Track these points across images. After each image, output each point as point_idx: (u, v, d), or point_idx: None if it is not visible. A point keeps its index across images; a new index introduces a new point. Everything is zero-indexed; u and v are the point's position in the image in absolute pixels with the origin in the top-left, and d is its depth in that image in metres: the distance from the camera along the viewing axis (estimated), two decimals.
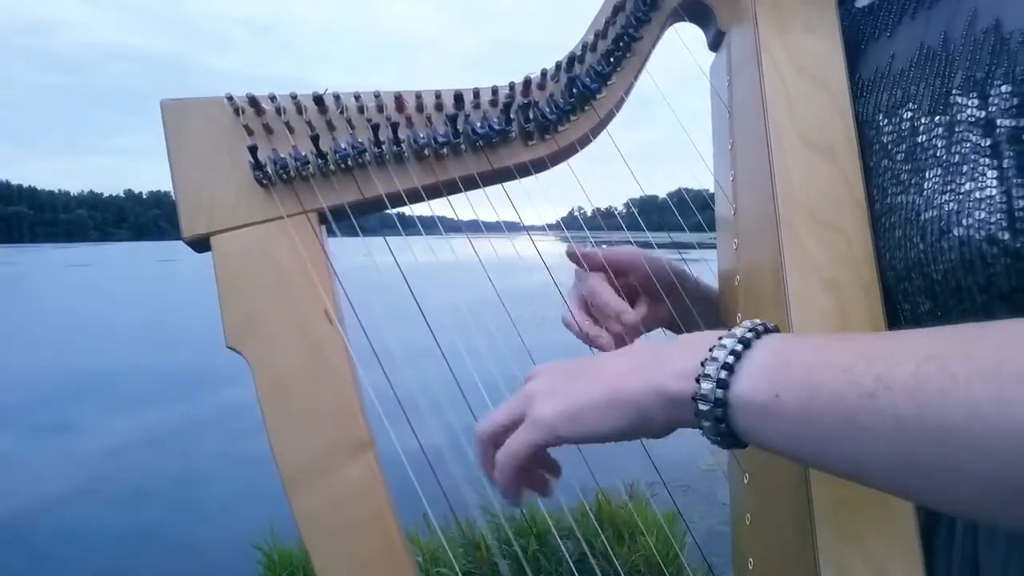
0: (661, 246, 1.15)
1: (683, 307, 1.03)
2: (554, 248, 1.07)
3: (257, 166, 0.85)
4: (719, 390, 0.56)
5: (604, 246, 1.05)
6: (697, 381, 0.57)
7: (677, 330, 1.06)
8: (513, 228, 1.01)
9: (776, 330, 0.61)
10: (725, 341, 0.58)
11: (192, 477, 6.89)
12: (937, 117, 0.73)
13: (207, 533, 5.65)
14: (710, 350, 0.58)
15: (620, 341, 0.98)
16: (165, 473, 7.01)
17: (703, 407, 0.57)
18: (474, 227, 1.01)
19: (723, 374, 0.56)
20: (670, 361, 0.61)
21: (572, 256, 1.02)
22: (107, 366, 11.58)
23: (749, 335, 0.58)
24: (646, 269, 1.02)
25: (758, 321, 0.60)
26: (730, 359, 0.57)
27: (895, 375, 0.47)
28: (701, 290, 1.07)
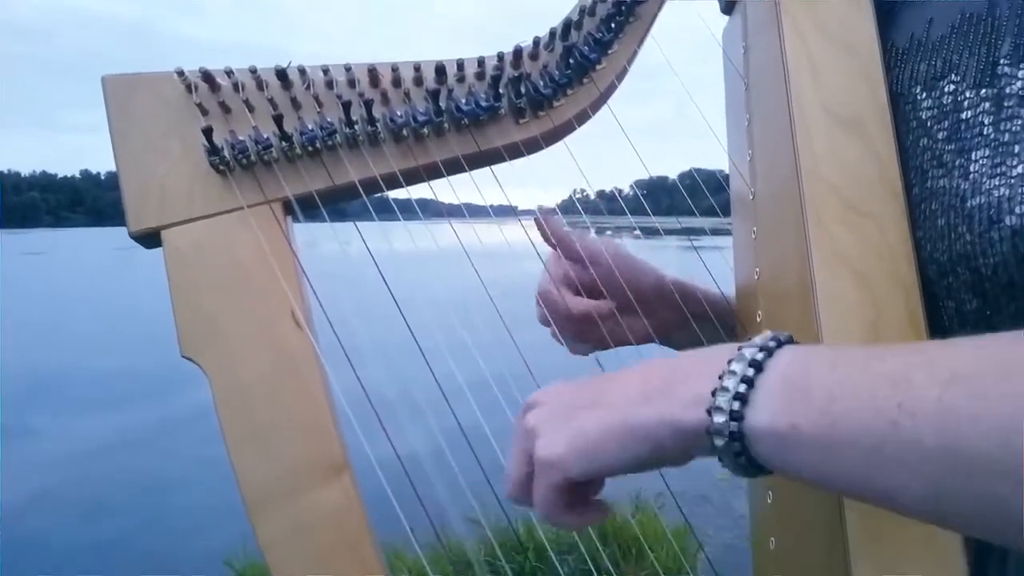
0: (669, 232, 1.14)
1: (664, 323, 1.02)
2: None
3: (213, 150, 0.82)
4: (733, 423, 0.55)
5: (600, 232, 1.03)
6: (709, 413, 0.56)
7: (669, 344, 1.04)
8: (502, 213, 0.99)
9: (790, 341, 0.59)
10: (735, 367, 0.57)
11: (159, 486, 6.89)
12: (983, 90, 0.72)
13: (175, 548, 5.64)
14: (720, 377, 0.57)
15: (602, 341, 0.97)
16: (130, 482, 7.00)
17: (719, 442, 0.56)
18: (458, 212, 1.00)
19: (736, 405, 0.55)
20: (680, 387, 0.60)
21: (539, 224, 1.00)
22: (65, 364, 11.58)
23: (760, 356, 0.57)
24: (608, 263, 1.00)
25: (769, 335, 0.59)
26: (742, 388, 0.56)
27: (919, 402, 0.47)
28: (713, 301, 1.05)
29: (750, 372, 0.56)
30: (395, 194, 0.92)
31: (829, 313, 0.72)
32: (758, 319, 0.85)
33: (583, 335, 1.02)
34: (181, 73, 0.84)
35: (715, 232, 1.24)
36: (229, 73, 0.85)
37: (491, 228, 1.03)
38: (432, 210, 1.03)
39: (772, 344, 0.58)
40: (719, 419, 0.55)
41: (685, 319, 0.99)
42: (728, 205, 1.01)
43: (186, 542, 5.73)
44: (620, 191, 1.22)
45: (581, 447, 0.61)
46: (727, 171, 1.00)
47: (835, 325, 0.72)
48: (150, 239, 0.83)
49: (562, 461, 0.62)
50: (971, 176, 0.70)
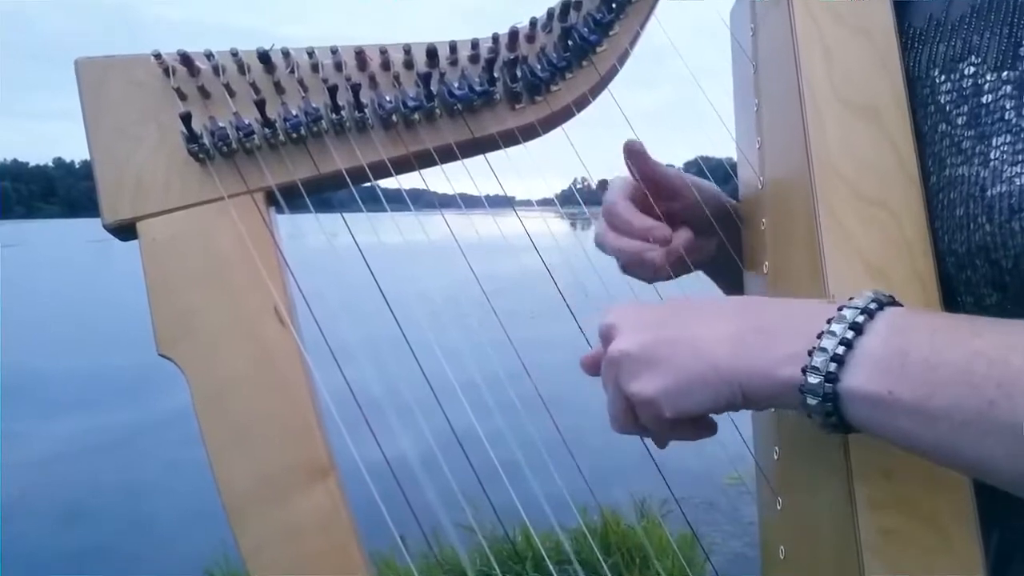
0: None
1: (735, 242, 1.00)
2: (545, 227, 1.05)
3: (191, 137, 0.82)
4: (828, 384, 0.59)
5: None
6: (804, 372, 0.60)
7: (724, 269, 1.03)
8: (497, 204, 0.99)
9: (892, 303, 0.62)
10: (835, 327, 0.59)
11: (137, 491, 6.88)
12: (1005, 73, 0.72)
13: (153, 555, 5.64)
14: (818, 336, 0.60)
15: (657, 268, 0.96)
16: (106, 487, 7.00)
17: (812, 401, 0.59)
18: (450, 203, 0.99)
19: (832, 367, 0.59)
20: (775, 342, 0.63)
21: (631, 152, 0.98)
22: (37, 364, 11.54)
23: (861, 319, 0.59)
24: (694, 197, 0.99)
25: (870, 295, 0.61)
26: (840, 350, 0.59)
27: (1018, 382, 0.51)
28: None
29: (849, 334, 0.59)
30: (384, 184, 0.92)
31: None
32: None
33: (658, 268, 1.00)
34: (158, 56, 0.83)
35: None
36: (209, 56, 0.85)
37: (486, 220, 1.03)
38: (423, 201, 1.02)
39: (873, 306, 0.60)
40: (814, 379, 0.59)
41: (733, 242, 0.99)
42: (736, 194, 1.01)
43: (165, 549, 5.72)
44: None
45: (673, 391, 0.66)
46: (735, 159, 1.00)
47: None
48: (125, 231, 0.83)
49: (655, 402, 0.66)
50: (991, 163, 0.70)
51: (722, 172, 1.06)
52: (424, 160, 0.90)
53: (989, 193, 0.69)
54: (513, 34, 0.91)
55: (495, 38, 0.91)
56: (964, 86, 0.75)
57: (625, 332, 0.70)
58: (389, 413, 0.96)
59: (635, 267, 0.96)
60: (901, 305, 0.62)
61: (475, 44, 0.90)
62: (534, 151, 0.94)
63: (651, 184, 0.98)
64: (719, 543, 5.09)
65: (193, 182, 0.84)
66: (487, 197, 0.98)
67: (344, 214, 0.95)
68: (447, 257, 0.99)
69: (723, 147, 1.00)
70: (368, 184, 0.91)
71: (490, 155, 0.93)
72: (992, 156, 0.70)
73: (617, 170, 1.00)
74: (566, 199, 1.18)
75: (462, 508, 0.87)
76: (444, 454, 0.81)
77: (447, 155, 0.91)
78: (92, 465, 7.54)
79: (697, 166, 1.18)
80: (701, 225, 0.99)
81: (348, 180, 0.88)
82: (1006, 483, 0.55)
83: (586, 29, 0.91)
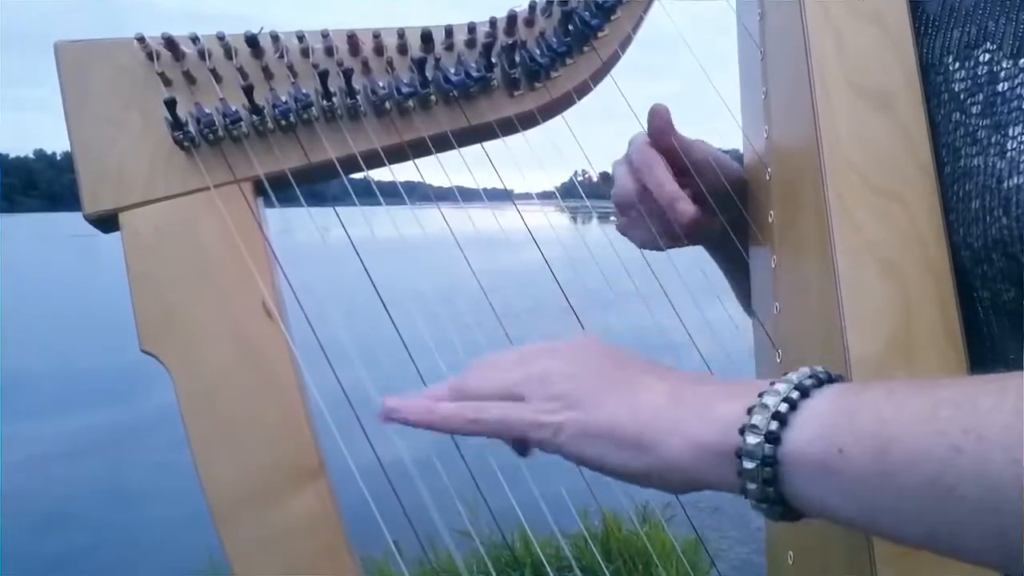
0: None
1: (741, 223, 1.00)
2: (545, 221, 1.05)
3: (176, 124, 0.82)
4: (768, 445, 0.54)
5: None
6: (742, 433, 0.55)
7: (728, 246, 1.03)
8: (496, 197, 0.99)
9: (840, 379, 0.59)
10: (779, 386, 0.56)
11: (122, 495, 6.88)
12: (1022, 60, 0.72)
13: (138, 559, 5.65)
14: (760, 395, 0.56)
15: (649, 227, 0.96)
16: (90, 490, 7.01)
17: (748, 465, 0.55)
18: (447, 196, 0.99)
19: (774, 425, 0.54)
20: (710, 405, 0.59)
21: (657, 115, 0.96)
22: (19, 364, 11.53)
23: (808, 382, 0.56)
24: (718, 175, 0.98)
25: (820, 368, 0.58)
26: (783, 407, 0.55)
27: (988, 426, 0.46)
28: None
29: (795, 395, 0.55)
30: (378, 176, 0.92)
31: (853, 305, 0.72)
32: (775, 311, 0.85)
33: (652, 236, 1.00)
34: (142, 39, 0.83)
35: None
36: (194, 40, 0.84)
37: (483, 213, 1.03)
38: (419, 194, 1.03)
39: (823, 375, 0.57)
40: (752, 440, 0.54)
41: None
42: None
43: (149, 553, 5.74)
44: None
45: (585, 433, 0.62)
46: (741, 150, 1.00)
47: (860, 318, 0.72)
48: (107, 222, 0.83)
49: (565, 444, 0.63)
50: (1008, 154, 0.70)
51: None
52: (419, 149, 0.90)
53: (1006, 185, 0.69)
54: (511, 18, 0.90)
55: (493, 22, 0.91)
56: (979, 74, 0.75)
57: (569, 361, 0.68)
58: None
59: (653, 218, 0.96)
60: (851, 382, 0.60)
61: (472, 28, 0.90)
62: (534, 142, 0.95)
63: (670, 156, 0.98)
64: (725, 549, 5.10)
65: (178, 171, 0.84)
66: (485, 190, 0.98)
67: (337, 208, 0.95)
68: (443, 252, 0.99)
69: (731, 138, 1.00)
70: (362, 176, 0.91)
71: (488, 146, 0.93)
72: (1009, 147, 0.70)
73: None
74: (567, 192, 1.19)
75: (458, 512, 0.87)
76: (440, 456, 0.81)
77: (442, 144, 0.91)
78: (75, 468, 7.55)
79: None
80: (714, 200, 0.98)
81: (340, 170, 0.88)
82: (979, 551, 0.48)
83: (587, 13, 0.91)
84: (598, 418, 0.62)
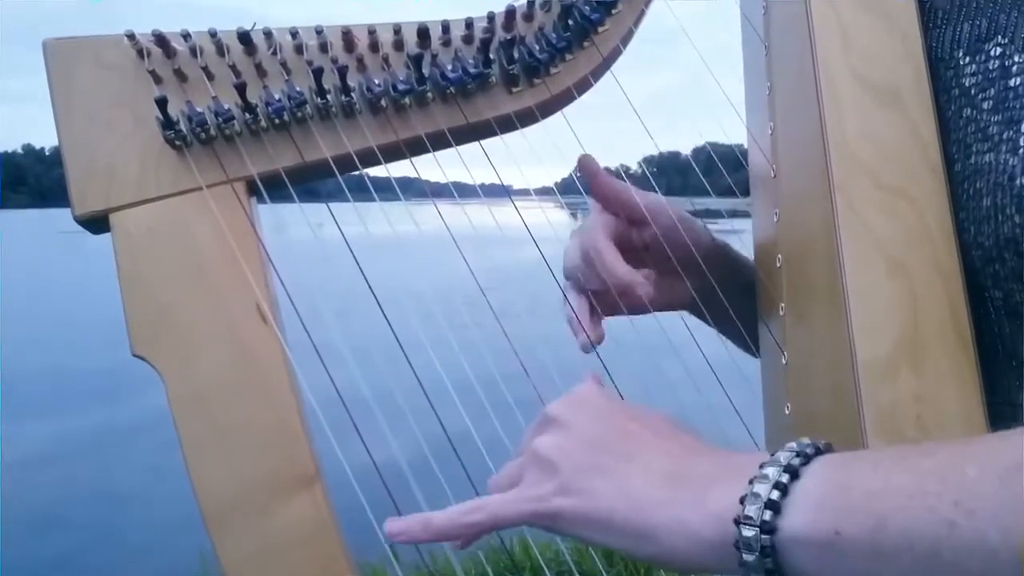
0: None
1: (709, 287, 1.00)
2: (544, 218, 1.04)
3: (167, 123, 0.82)
4: (765, 536, 0.54)
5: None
6: (737, 524, 0.56)
7: (701, 311, 1.03)
8: (493, 193, 0.99)
9: (829, 449, 0.59)
10: (768, 471, 0.56)
11: (112, 498, 6.89)
12: None
13: (128, 566, 5.66)
14: (750, 482, 0.56)
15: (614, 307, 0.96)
16: (79, 494, 7.01)
17: (748, 557, 0.55)
18: (443, 192, 0.99)
19: (768, 515, 0.54)
20: (708, 491, 0.60)
21: (586, 170, 0.97)
22: (6, 363, 11.56)
23: (796, 461, 0.57)
24: (686, 242, 0.98)
25: (806, 442, 0.59)
26: (775, 495, 0.55)
27: (978, 496, 0.47)
28: (739, 266, 1.05)
29: (784, 478, 0.55)
30: (373, 172, 0.92)
31: (860, 305, 0.72)
32: (780, 311, 0.85)
33: (615, 306, 1.00)
34: (132, 36, 0.83)
35: (733, 214, 1.23)
36: (186, 36, 0.84)
37: (480, 210, 1.03)
38: (414, 190, 1.02)
39: (809, 450, 0.57)
40: (748, 532, 0.55)
41: (724, 281, 0.98)
42: (747, 184, 1.01)
43: (140, 559, 5.74)
44: (627, 169, 1.22)
45: (582, 521, 0.63)
46: (746, 146, 1.00)
47: (867, 319, 0.72)
48: (97, 223, 0.82)
49: (559, 520, 0.64)
50: (1021, 150, 0.70)
51: (732, 159, 1.06)
52: (415, 147, 0.90)
53: (1018, 182, 0.69)
54: (510, 13, 0.90)
55: (490, 17, 0.90)
56: (990, 68, 0.75)
57: (564, 435, 0.67)
58: (378, 416, 0.96)
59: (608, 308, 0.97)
60: (837, 451, 0.60)
61: (469, 24, 0.90)
62: (532, 138, 0.94)
63: (619, 204, 0.98)
64: None
65: (169, 171, 0.83)
66: (482, 186, 0.98)
67: (330, 204, 0.95)
68: (440, 250, 0.99)
69: (734, 133, 1.00)
70: (356, 173, 0.91)
71: (486, 142, 0.93)
72: (1021, 143, 0.70)
73: (621, 158, 1.01)
74: (566, 188, 1.18)
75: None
76: (437, 459, 0.81)
77: (439, 142, 0.90)
78: (63, 471, 7.55)
79: (706, 153, 1.18)
80: (681, 266, 0.99)
81: (334, 169, 0.88)
82: None
83: (588, 7, 0.91)
84: (597, 507, 0.63)
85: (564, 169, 1.05)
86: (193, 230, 0.82)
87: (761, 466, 0.57)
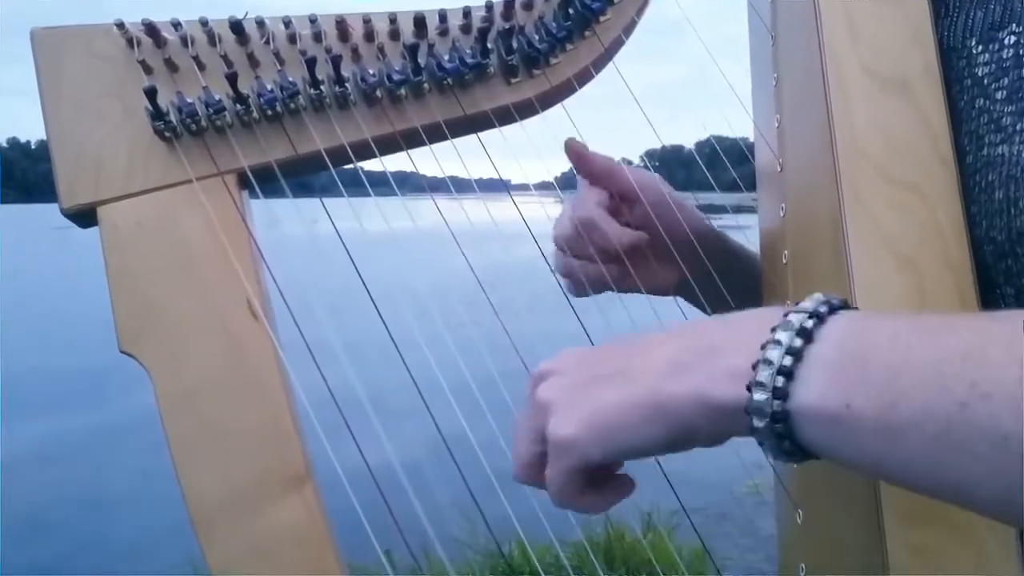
0: None
1: (703, 270, 1.01)
2: (543, 213, 1.04)
3: (157, 114, 0.82)
4: (776, 402, 0.54)
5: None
6: (749, 389, 0.55)
7: (704, 293, 1.03)
8: (491, 188, 0.99)
9: (844, 306, 0.59)
10: (780, 335, 0.56)
11: (101, 501, 6.89)
12: None
13: (118, 567, 5.65)
14: (762, 347, 0.56)
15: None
16: (68, 496, 7.00)
17: (758, 423, 0.55)
18: (440, 187, 0.99)
19: (780, 381, 0.54)
20: (716, 358, 0.59)
21: (572, 152, 0.99)
22: None
23: (810, 323, 0.56)
24: (664, 196, 1.00)
25: (820, 298, 0.58)
26: (787, 360, 0.54)
27: (997, 380, 0.46)
28: (739, 258, 1.05)
29: (798, 342, 0.55)
30: (368, 166, 0.92)
31: (869, 302, 0.71)
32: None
33: (606, 279, 1.01)
34: (121, 25, 0.83)
35: (738, 210, 1.24)
36: (176, 25, 0.84)
37: (478, 205, 1.03)
38: (410, 184, 1.02)
39: (823, 309, 0.57)
40: (760, 396, 0.55)
41: (720, 270, 0.99)
42: (753, 178, 1.01)
43: (129, 559, 5.74)
44: (629, 163, 1.22)
45: (600, 426, 0.61)
46: (751, 139, 1.00)
47: None
48: (85, 216, 0.82)
49: (578, 442, 0.61)
50: None
51: (737, 153, 1.06)
52: (411, 139, 0.90)
53: None
54: (509, 2, 0.90)
55: (489, 6, 0.90)
56: (1004, 57, 0.75)
57: (556, 374, 0.67)
58: (372, 416, 0.96)
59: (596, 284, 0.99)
60: (856, 308, 0.60)
61: (467, 12, 0.90)
62: (531, 130, 0.94)
63: (610, 180, 1.00)
64: (733, 558, 5.09)
65: (159, 163, 0.83)
66: (479, 180, 0.98)
67: (324, 199, 0.95)
68: (436, 246, 0.99)
69: (739, 126, 1.00)
70: (350, 166, 0.90)
71: (484, 135, 0.93)
72: None
73: (623, 151, 1.00)
74: (566, 183, 1.18)
75: (453, 520, 0.86)
76: (433, 461, 0.81)
77: (436, 134, 0.90)
78: (50, 473, 7.54)
79: (710, 146, 1.18)
80: (669, 240, 1.00)
81: (328, 162, 0.88)
82: (988, 506, 0.50)
83: None
84: (603, 410, 0.61)
85: (564, 163, 1.05)
86: (182, 224, 0.82)
87: (773, 330, 0.56)
